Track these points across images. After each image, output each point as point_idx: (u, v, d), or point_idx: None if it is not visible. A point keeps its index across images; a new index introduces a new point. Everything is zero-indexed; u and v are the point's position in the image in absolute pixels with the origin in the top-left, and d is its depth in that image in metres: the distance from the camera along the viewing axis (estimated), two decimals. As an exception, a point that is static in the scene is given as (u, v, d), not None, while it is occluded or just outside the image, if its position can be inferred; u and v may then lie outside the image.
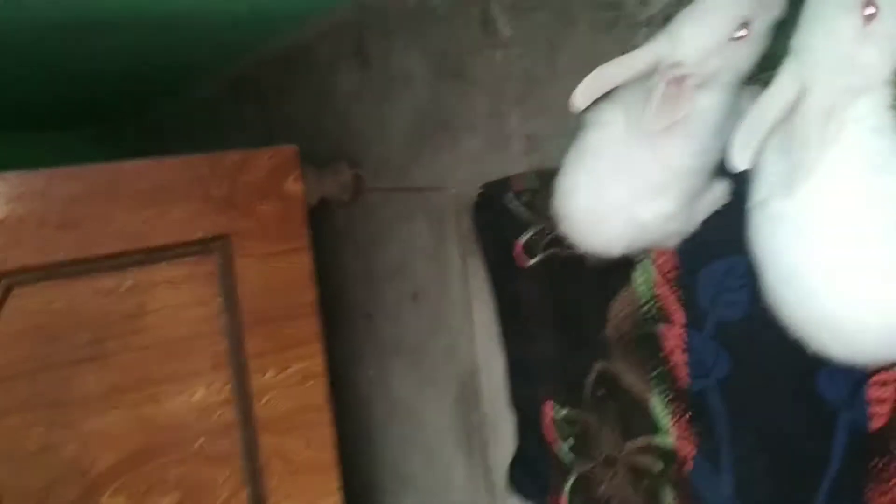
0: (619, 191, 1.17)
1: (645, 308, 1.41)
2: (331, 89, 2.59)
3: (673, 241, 1.29)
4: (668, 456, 1.40)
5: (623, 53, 1.23)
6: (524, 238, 1.66)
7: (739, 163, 0.95)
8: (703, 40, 1.06)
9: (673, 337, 1.36)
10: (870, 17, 0.88)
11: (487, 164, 1.86)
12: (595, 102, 1.12)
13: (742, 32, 1.06)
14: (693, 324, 1.32)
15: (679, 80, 1.06)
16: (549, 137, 1.67)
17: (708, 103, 1.09)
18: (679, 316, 1.34)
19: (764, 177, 0.99)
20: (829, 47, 0.90)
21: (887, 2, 0.89)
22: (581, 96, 1.08)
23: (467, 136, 1.97)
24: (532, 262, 1.65)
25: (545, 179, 1.50)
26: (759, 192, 0.99)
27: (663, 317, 1.37)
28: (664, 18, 1.40)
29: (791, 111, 0.92)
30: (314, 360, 2.13)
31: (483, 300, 1.88)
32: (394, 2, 2.21)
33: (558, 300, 1.62)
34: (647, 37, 1.45)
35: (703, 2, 1.09)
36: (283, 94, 2.87)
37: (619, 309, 1.46)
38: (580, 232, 1.25)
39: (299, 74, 2.77)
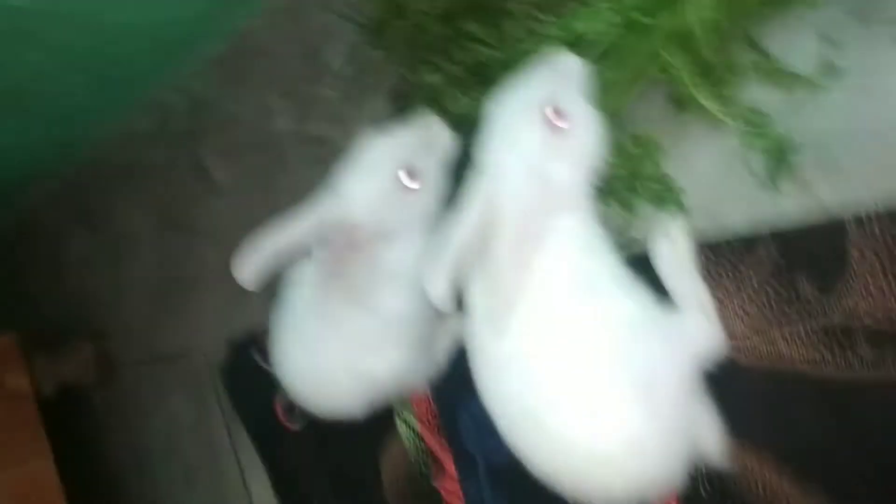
0: (336, 349, 1.04)
1: (416, 462, 1.28)
2: (61, 257, 2.31)
3: (419, 385, 1.17)
4: None
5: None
6: (281, 399, 1.49)
7: (434, 293, 0.81)
8: (368, 195, 0.98)
9: (450, 492, 1.23)
10: (558, 130, 0.82)
11: (233, 321, 1.68)
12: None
13: (412, 184, 0.98)
14: (465, 472, 1.21)
15: (349, 236, 0.96)
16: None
17: (400, 252, 1.00)
18: (450, 465, 1.22)
19: (474, 312, 0.87)
20: (516, 164, 0.82)
21: (577, 113, 0.84)
22: (245, 271, 0.94)
23: (206, 292, 1.78)
24: (297, 426, 1.48)
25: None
26: (472, 331, 0.87)
27: (436, 468, 1.25)
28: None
29: (485, 236, 0.81)
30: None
31: (258, 473, 1.67)
32: (110, 159, 2.02)
33: (332, 464, 1.46)
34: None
35: (362, 153, 1.01)
36: (13, 269, 2.55)
37: (390, 466, 1.32)
38: (309, 399, 1.11)
39: (27, 245, 2.47)
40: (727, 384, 0.85)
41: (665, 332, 0.83)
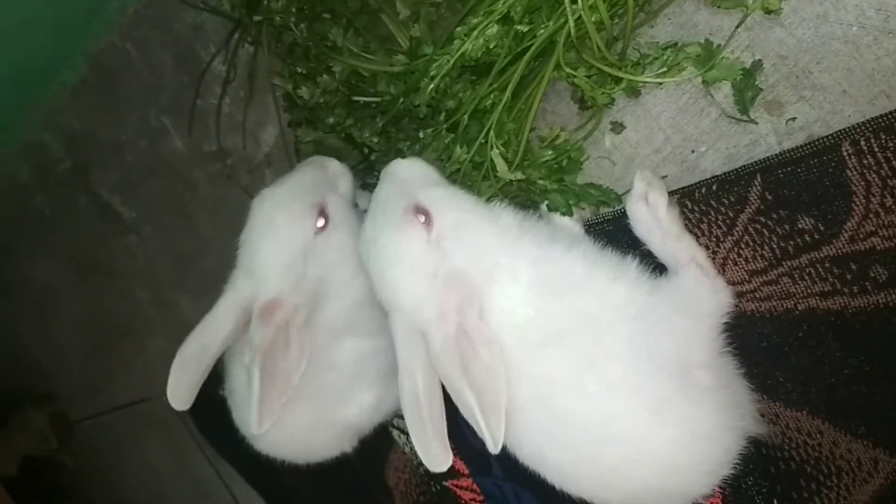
0: (306, 410, 0.95)
1: (420, 465, 1.21)
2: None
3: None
4: None
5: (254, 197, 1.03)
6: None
7: (439, 466, 0.75)
8: (282, 260, 0.86)
9: (465, 489, 1.17)
10: (430, 225, 0.77)
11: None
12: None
13: (322, 221, 0.88)
14: (476, 467, 1.14)
15: (273, 321, 0.84)
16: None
17: (335, 304, 0.90)
18: (460, 465, 1.16)
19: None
20: (413, 283, 0.77)
21: (436, 199, 0.79)
22: (178, 397, 0.83)
23: (146, 333, 1.65)
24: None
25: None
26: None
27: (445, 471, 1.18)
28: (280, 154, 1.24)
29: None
30: None
31: (255, 502, 1.59)
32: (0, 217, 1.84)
33: (337, 489, 1.38)
34: (276, 176, 1.27)
35: (262, 214, 0.89)
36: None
37: (397, 478, 1.25)
38: (293, 457, 1.05)
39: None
40: (737, 336, 0.77)
41: (671, 302, 0.76)
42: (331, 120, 1.01)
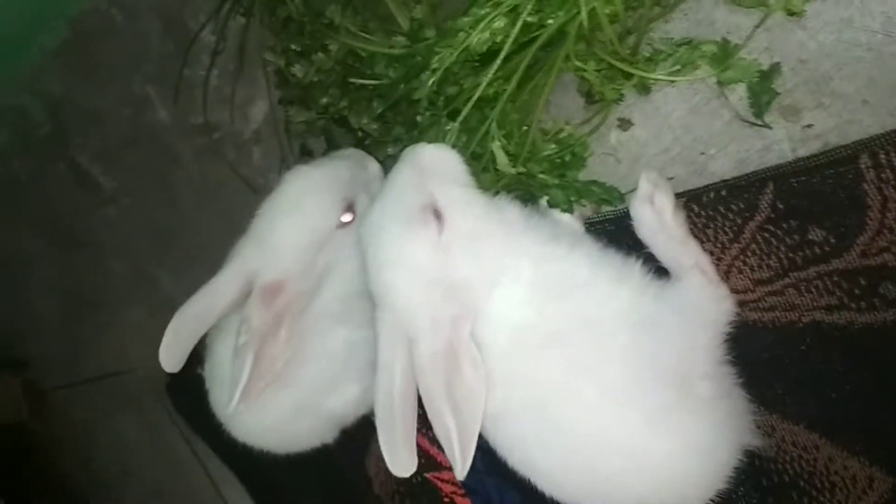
0: (291, 399, 0.93)
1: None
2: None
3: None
4: None
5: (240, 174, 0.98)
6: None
7: (402, 469, 0.73)
8: (301, 241, 0.83)
9: (447, 482, 1.15)
10: (441, 228, 0.73)
11: (161, 333, 1.53)
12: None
13: (348, 217, 0.85)
14: None
15: (273, 303, 0.82)
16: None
17: (331, 291, 0.87)
18: (442, 458, 1.14)
19: None
20: (411, 288, 0.74)
21: (453, 202, 0.74)
22: (169, 358, 0.80)
23: (122, 306, 1.61)
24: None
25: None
26: None
27: (426, 460, 1.16)
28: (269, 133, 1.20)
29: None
30: None
31: (233, 480, 1.56)
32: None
33: (315, 474, 1.36)
34: (264, 154, 1.23)
35: (293, 191, 0.85)
36: None
37: (377, 465, 1.23)
38: (272, 446, 1.03)
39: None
40: (738, 345, 0.75)
41: (673, 309, 0.73)
42: (324, 100, 0.98)
